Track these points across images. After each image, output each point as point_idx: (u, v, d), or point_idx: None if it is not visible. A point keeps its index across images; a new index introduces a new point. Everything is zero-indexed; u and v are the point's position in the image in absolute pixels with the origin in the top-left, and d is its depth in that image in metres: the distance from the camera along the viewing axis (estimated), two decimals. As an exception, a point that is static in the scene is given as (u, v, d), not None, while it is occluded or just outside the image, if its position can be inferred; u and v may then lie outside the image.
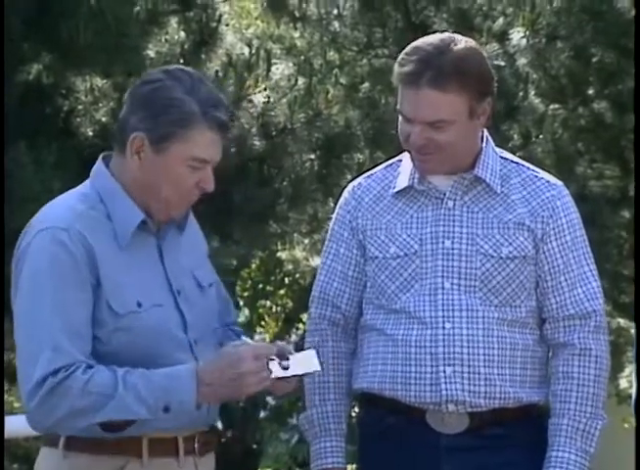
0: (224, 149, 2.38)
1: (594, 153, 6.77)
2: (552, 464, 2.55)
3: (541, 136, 6.18)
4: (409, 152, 2.61)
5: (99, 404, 2.23)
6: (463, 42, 2.55)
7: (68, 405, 2.23)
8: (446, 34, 2.59)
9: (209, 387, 2.27)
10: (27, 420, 2.29)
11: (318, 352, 2.37)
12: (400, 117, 2.58)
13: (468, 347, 2.54)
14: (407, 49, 2.56)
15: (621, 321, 8.00)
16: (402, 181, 2.62)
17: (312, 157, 5.57)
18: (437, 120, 2.51)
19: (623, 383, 9.39)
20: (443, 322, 2.54)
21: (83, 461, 2.31)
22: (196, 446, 2.37)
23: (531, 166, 2.67)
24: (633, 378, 8.18)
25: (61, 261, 2.28)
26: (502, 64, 6.08)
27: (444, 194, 2.59)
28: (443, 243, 2.57)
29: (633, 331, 6.81)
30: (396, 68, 2.56)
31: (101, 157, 2.41)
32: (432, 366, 2.54)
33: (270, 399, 10.74)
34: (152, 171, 2.34)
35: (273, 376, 2.29)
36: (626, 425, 9.67)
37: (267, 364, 2.28)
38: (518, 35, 6.07)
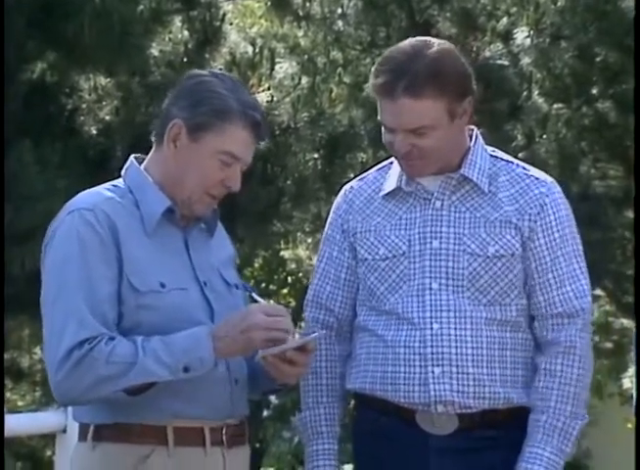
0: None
1: (598, 152, 6.77)
2: (525, 459, 2.54)
3: (545, 136, 6.18)
4: (396, 158, 2.61)
5: (122, 372, 2.32)
6: (435, 45, 2.52)
7: (93, 375, 2.33)
8: (418, 39, 2.56)
9: (223, 340, 2.35)
10: (54, 392, 2.38)
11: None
12: (383, 127, 2.57)
13: (456, 347, 2.53)
14: (380, 59, 2.54)
15: (625, 321, 7.99)
16: (391, 183, 2.62)
17: (316, 156, 5.57)
18: (419, 127, 2.50)
19: (627, 383, 9.38)
20: (431, 323, 2.53)
21: (111, 450, 2.39)
22: (224, 437, 2.42)
23: (522, 164, 2.65)
24: (634, 379, 8.17)
25: (87, 240, 2.37)
26: (506, 63, 6.07)
27: (432, 194, 2.58)
28: (431, 243, 2.56)
29: (635, 331, 6.80)
30: (371, 79, 2.54)
31: (132, 156, 2.50)
32: (420, 366, 2.53)
33: (273, 399, 10.74)
34: (184, 160, 2.42)
35: (289, 345, 2.35)
36: (629, 425, 9.65)
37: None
38: (522, 35, 6.07)
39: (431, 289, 2.54)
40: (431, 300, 2.54)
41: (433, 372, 2.52)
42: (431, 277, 2.55)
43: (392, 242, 2.58)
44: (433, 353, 2.52)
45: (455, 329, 2.53)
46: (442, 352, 2.52)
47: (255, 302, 2.45)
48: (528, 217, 2.57)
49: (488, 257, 2.55)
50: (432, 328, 2.53)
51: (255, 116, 2.42)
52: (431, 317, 2.54)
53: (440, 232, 2.56)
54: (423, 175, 2.58)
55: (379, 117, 2.56)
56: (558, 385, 2.56)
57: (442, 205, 2.58)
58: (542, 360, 2.57)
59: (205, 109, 2.40)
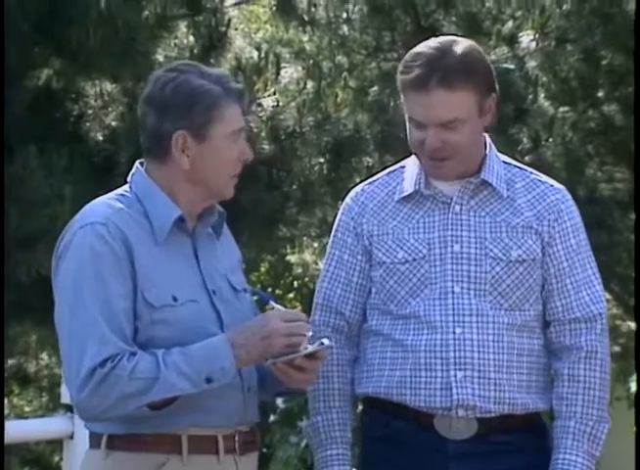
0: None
1: (604, 155, 6.76)
2: (559, 466, 2.56)
3: (551, 139, 6.17)
4: (420, 159, 2.61)
5: (146, 387, 2.32)
6: (462, 42, 2.58)
7: (117, 393, 2.32)
8: (444, 37, 2.62)
9: (243, 348, 2.35)
10: (77, 410, 2.39)
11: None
12: (410, 125, 2.57)
13: (478, 351, 2.54)
14: (407, 57, 2.57)
15: (632, 325, 7.97)
16: (408, 187, 2.62)
17: (321, 160, 5.57)
18: (451, 120, 2.53)
19: (634, 386, 9.36)
20: (454, 327, 2.54)
21: (125, 459, 2.39)
22: (236, 444, 2.42)
23: (534, 171, 2.69)
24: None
25: (101, 255, 2.36)
26: (511, 67, 6.07)
27: (451, 198, 2.59)
28: (452, 247, 2.57)
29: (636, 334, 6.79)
30: (400, 76, 2.56)
31: (138, 162, 2.49)
32: (442, 371, 2.53)
33: (280, 403, 10.74)
34: (203, 161, 2.43)
35: (304, 352, 2.36)
36: (635, 429, 9.63)
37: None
38: (527, 38, 6.06)
39: (453, 293, 2.55)
40: (453, 303, 2.55)
41: (455, 376, 2.52)
42: (453, 281, 2.55)
43: (412, 245, 2.58)
44: (455, 358, 2.53)
45: (478, 334, 2.54)
46: (465, 357, 2.53)
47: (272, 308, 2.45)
48: (547, 223, 2.60)
49: (511, 261, 2.57)
50: (454, 332, 2.53)
51: (234, 86, 2.44)
52: (453, 321, 2.54)
53: (461, 236, 2.57)
54: (448, 177, 2.59)
55: (408, 115, 2.57)
56: (583, 390, 2.57)
57: (462, 209, 2.59)
58: (564, 366, 2.59)
59: (197, 109, 2.40)
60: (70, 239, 2.39)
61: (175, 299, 2.38)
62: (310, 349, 2.37)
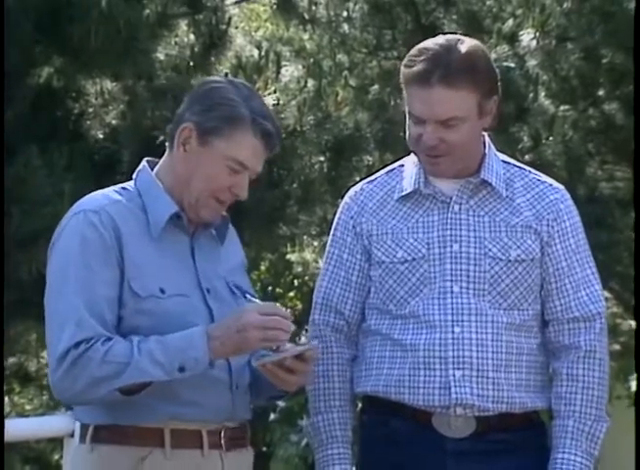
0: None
1: (605, 154, 6.77)
2: (558, 466, 2.56)
3: (551, 138, 6.17)
4: (417, 155, 2.61)
5: (117, 372, 2.34)
6: (468, 41, 2.57)
7: (88, 375, 2.34)
8: (451, 35, 2.60)
9: (218, 340, 2.36)
10: (53, 391, 2.41)
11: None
12: (409, 120, 2.57)
13: (477, 350, 2.54)
14: (413, 51, 2.57)
15: (633, 323, 7.98)
16: (407, 186, 2.62)
17: (322, 159, 5.57)
18: (450, 118, 2.52)
19: (635, 385, 9.36)
20: (453, 326, 2.54)
21: (108, 452, 2.40)
22: (222, 440, 2.42)
23: (533, 170, 2.68)
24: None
25: (89, 241, 2.40)
26: (512, 65, 6.07)
27: (450, 198, 2.59)
28: (451, 247, 2.57)
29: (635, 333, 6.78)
30: (404, 69, 2.56)
31: (145, 160, 2.52)
32: (441, 370, 2.53)
33: (280, 402, 10.74)
34: (193, 163, 2.44)
35: (289, 354, 2.35)
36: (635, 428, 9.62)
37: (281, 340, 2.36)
38: (528, 37, 6.07)
39: (452, 292, 2.55)
40: (452, 303, 2.55)
41: (454, 375, 2.53)
42: (452, 280, 2.56)
43: (411, 245, 2.58)
44: (454, 357, 2.53)
45: (477, 333, 2.54)
46: (464, 356, 2.53)
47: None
48: (546, 223, 2.60)
49: (510, 261, 2.57)
50: (453, 331, 2.54)
51: (266, 125, 2.42)
52: (452, 320, 2.54)
53: (460, 236, 2.57)
54: (445, 175, 2.59)
55: (407, 109, 2.56)
56: (581, 389, 2.58)
57: (461, 208, 2.59)
58: (562, 365, 2.59)
59: (215, 114, 2.42)
60: (64, 226, 2.43)
61: (163, 291, 2.39)
62: (298, 349, 2.37)
